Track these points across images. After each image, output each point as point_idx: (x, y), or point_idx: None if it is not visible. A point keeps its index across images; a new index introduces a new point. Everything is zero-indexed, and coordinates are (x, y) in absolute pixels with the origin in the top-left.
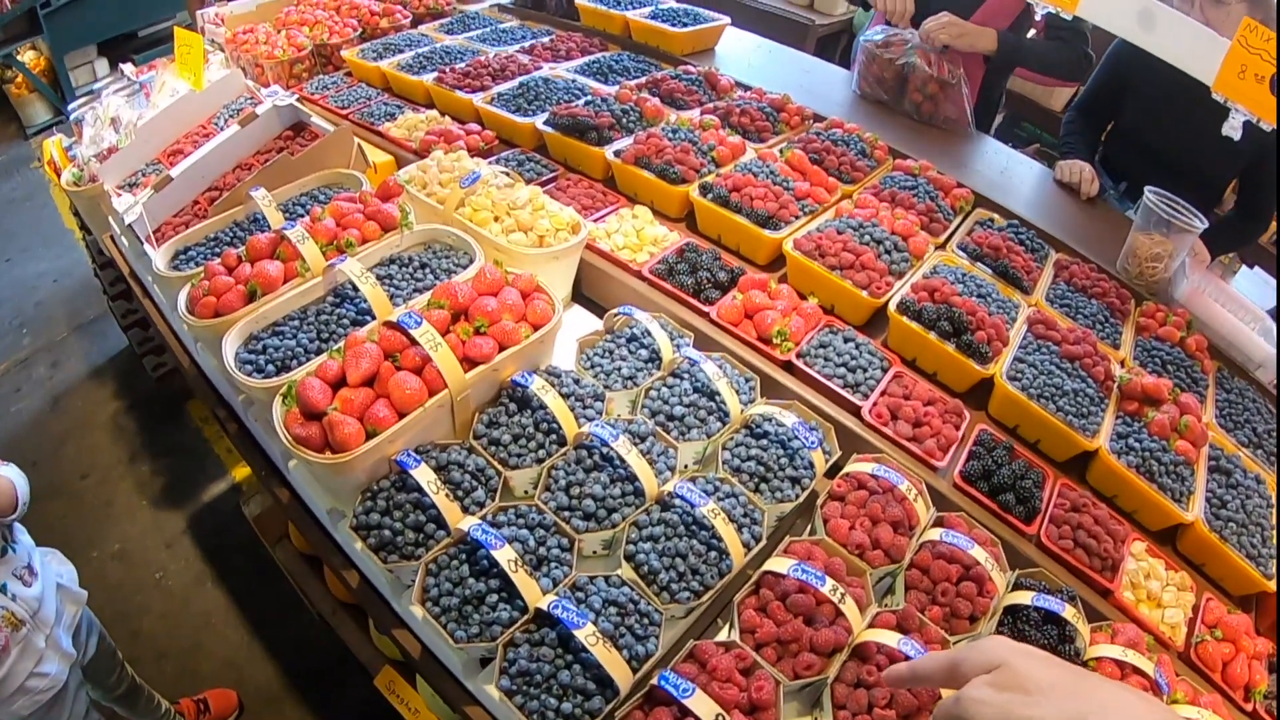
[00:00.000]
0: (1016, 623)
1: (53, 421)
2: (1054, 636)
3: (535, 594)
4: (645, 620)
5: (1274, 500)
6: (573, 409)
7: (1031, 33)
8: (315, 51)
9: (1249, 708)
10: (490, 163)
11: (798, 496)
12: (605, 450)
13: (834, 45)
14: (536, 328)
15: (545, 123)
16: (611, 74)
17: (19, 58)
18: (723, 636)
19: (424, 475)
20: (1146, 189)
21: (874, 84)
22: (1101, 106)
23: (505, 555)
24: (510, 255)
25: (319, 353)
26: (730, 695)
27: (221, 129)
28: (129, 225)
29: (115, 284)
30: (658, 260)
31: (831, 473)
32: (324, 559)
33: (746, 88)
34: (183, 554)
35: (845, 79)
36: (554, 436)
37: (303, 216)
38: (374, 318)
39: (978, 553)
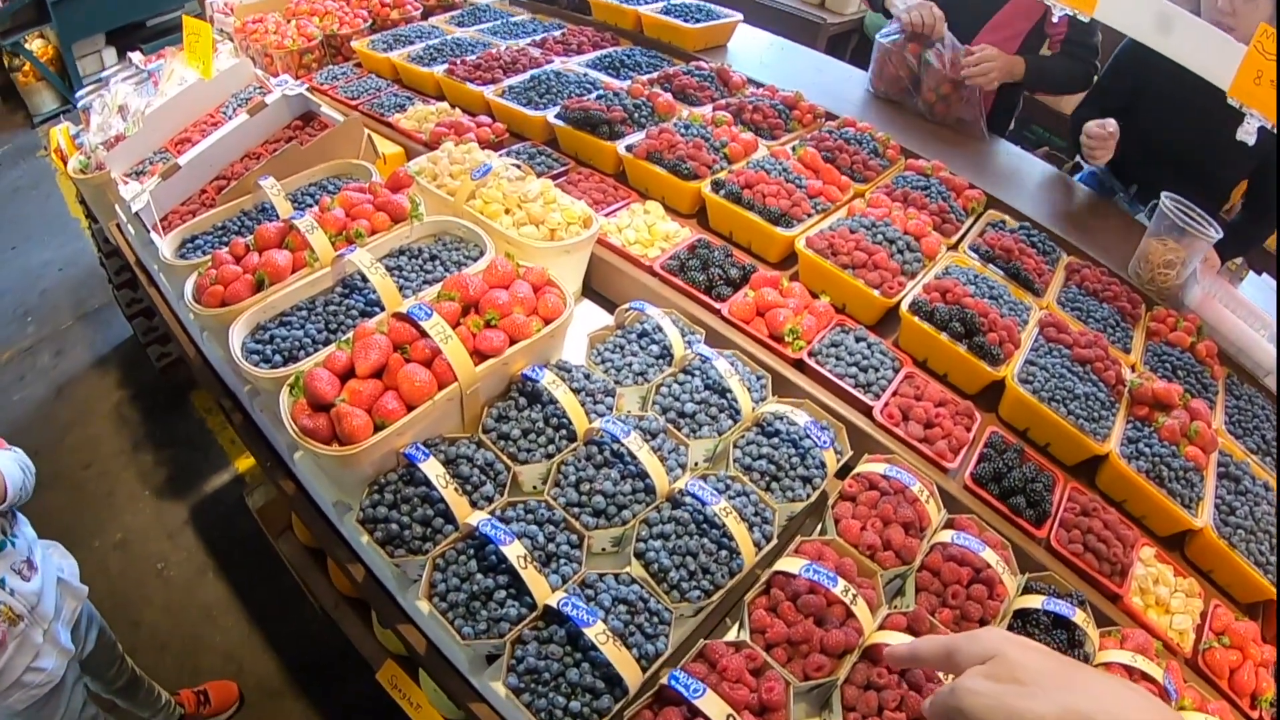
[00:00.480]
0: (1026, 626)
1: (56, 410)
2: (1063, 641)
3: (544, 591)
4: (655, 619)
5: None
6: (583, 404)
7: (1045, 49)
8: (325, 42)
9: (1256, 715)
10: (501, 156)
11: (809, 496)
12: (616, 446)
13: (844, 44)
14: (548, 321)
15: (557, 116)
16: (623, 69)
17: (27, 46)
18: (732, 636)
19: (433, 469)
20: (1163, 195)
21: (889, 83)
22: (1110, 108)
23: (514, 551)
24: (521, 248)
25: (327, 344)
26: (740, 696)
27: (230, 118)
28: (136, 214)
29: (120, 273)
30: (669, 256)
31: (842, 473)
32: (329, 552)
33: (759, 85)
34: (185, 545)
35: (857, 78)
36: (564, 432)
37: (311, 206)
38: (383, 309)
39: (989, 555)
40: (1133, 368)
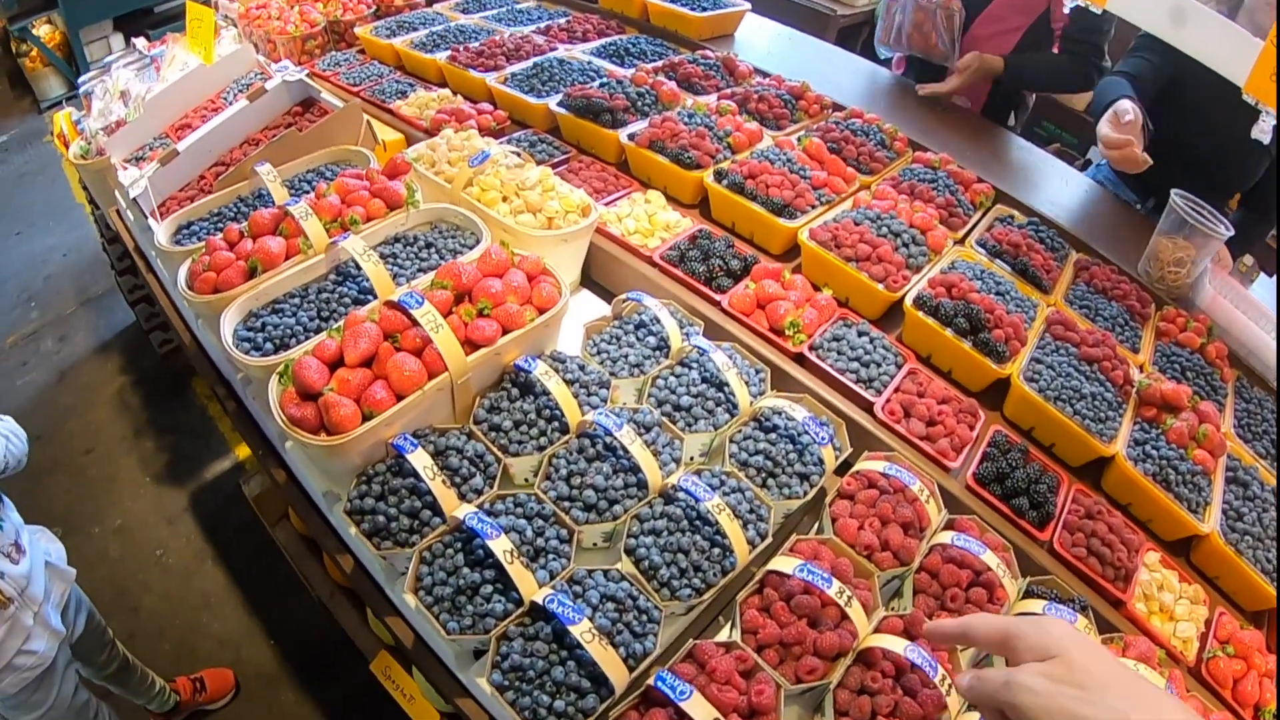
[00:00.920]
0: None
1: (58, 395)
2: None
3: (531, 586)
4: (644, 617)
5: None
6: (576, 396)
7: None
8: (328, 28)
9: None
10: (501, 143)
11: (806, 494)
12: (609, 440)
13: (855, 37)
14: (542, 311)
15: (559, 104)
16: (628, 57)
17: (34, 31)
18: (723, 636)
19: (420, 460)
20: (1173, 192)
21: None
22: (1150, 89)
23: (501, 546)
24: (518, 237)
25: (319, 331)
26: (729, 698)
27: (231, 104)
28: (134, 199)
29: (123, 259)
30: (669, 246)
31: (841, 470)
32: (319, 542)
33: (765, 74)
34: (184, 532)
35: (867, 69)
36: (556, 424)
37: (308, 193)
38: (376, 297)
39: (989, 558)
40: (1141, 368)
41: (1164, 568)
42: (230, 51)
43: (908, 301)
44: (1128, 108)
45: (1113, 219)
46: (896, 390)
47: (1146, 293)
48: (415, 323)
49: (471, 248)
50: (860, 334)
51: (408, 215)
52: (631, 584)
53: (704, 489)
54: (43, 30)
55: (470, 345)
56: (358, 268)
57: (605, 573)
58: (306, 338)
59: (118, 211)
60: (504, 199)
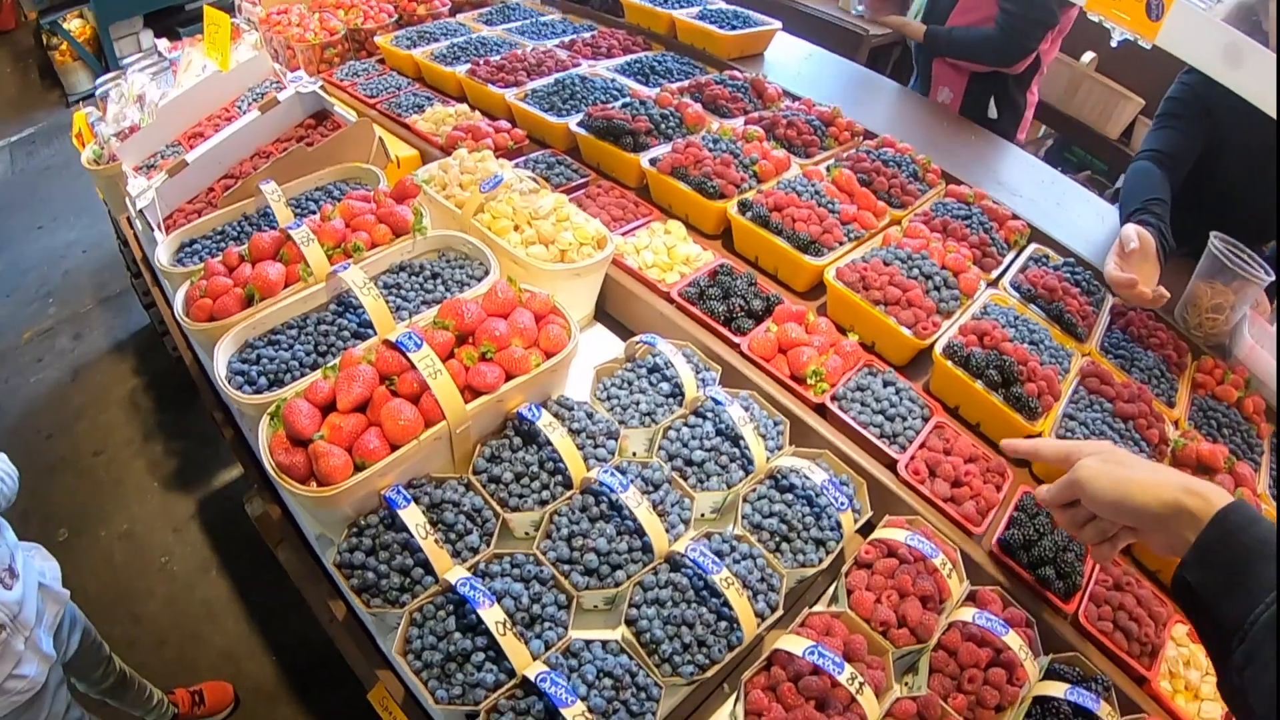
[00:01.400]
0: (1046, 715)
1: (71, 394)
2: None
3: (524, 659)
4: (643, 695)
5: None
6: (583, 447)
7: None
8: (349, 36)
9: None
10: (518, 165)
11: (820, 562)
12: (613, 498)
13: (886, 58)
14: (549, 355)
15: (579, 124)
16: (653, 75)
17: (65, 25)
18: (726, 710)
19: (413, 518)
20: (1213, 235)
21: None
22: (1188, 160)
23: (493, 616)
24: (528, 270)
25: (315, 367)
26: None
27: (244, 113)
28: (140, 210)
29: (135, 263)
30: (688, 282)
31: (862, 530)
32: (310, 587)
33: (795, 98)
34: (190, 540)
35: (899, 94)
36: (560, 478)
37: (313, 214)
38: (376, 332)
39: (1011, 639)
40: (1176, 423)
41: (1192, 642)
42: (247, 58)
43: (937, 350)
44: (1132, 235)
45: None
46: (922, 446)
47: (1184, 341)
48: (413, 366)
49: (480, 279)
50: (886, 384)
51: (414, 243)
52: (631, 658)
53: (712, 560)
54: (73, 24)
55: (471, 392)
56: (359, 299)
57: (604, 644)
58: (302, 373)
59: (128, 219)
60: (516, 228)
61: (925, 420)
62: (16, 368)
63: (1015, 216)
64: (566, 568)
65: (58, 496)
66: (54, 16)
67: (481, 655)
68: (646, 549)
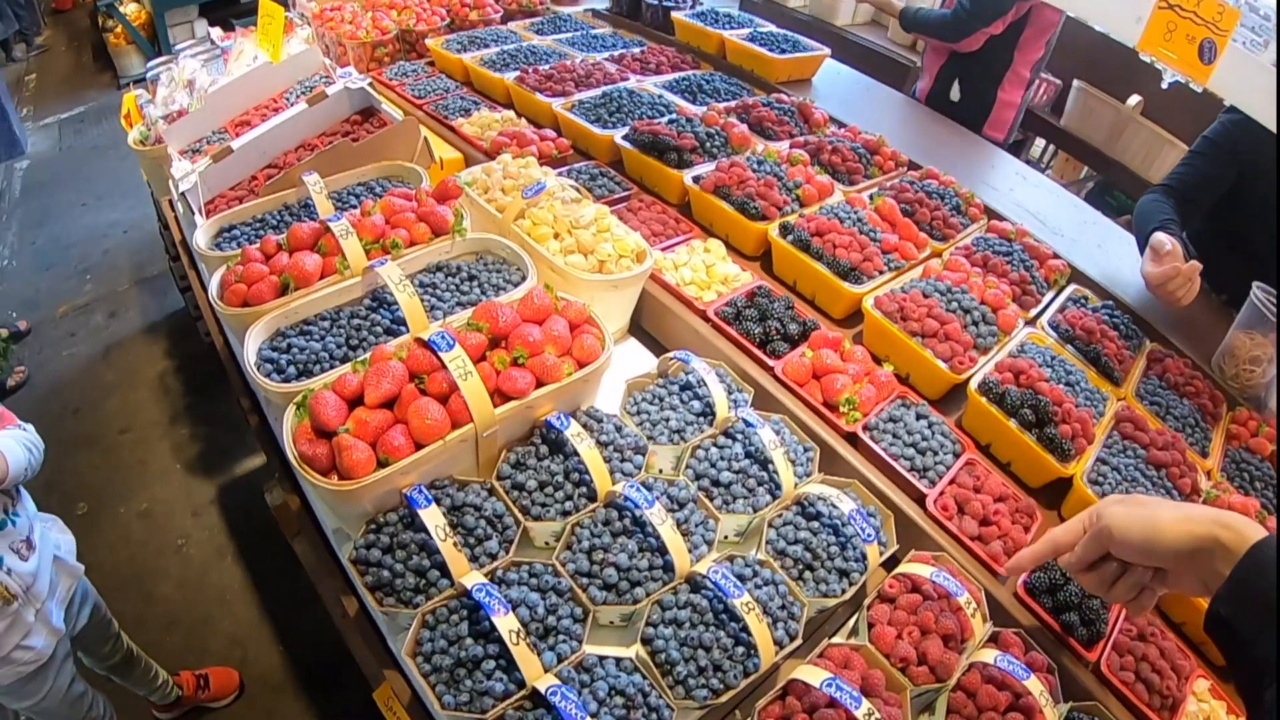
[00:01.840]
0: None
1: (102, 371)
2: None
3: (536, 671)
4: (654, 715)
5: None
6: (609, 460)
7: None
8: (400, 36)
9: None
10: (561, 174)
11: (843, 593)
12: (637, 514)
13: None
14: (582, 365)
15: (624, 137)
16: (701, 94)
17: (121, 8)
18: None
19: (433, 519)
20: (1255, 285)
21: None
22: (1201, 195)
23: (507, 625)
24: (565, 278)
25: (345, 360)
26: None
27: (292, 105)
28: (183, 193)
29: (174, 246)
30: (725, 302)
31: (887, 563)
32: (324, 580)
33: (840, 124)
34: (208, 524)
35: (944, 126)
36: (584, 489)
37: (353, 208)
38: (408, 329)
39: (1032, 684)
40: (1209, 474)
41: (1213, 698)
42: (298, 52)
43: (972, 385)
44: (1164, 240)
45: (1189, 307)
46: (951, 482)
47: (1219, 391)
48: (444, 366)
49: (516, 284)
50: (919, 417)
51: (453, 243)
52: (644, 677)
53: (734, 583)
54: (129, 8)
55: (500, 396)
56: (393, 296)
57: (618, 661)
58: (332, 365)
59: (170, 202)
60: (555, 235)
61: (956, 456)
62: (50, 340)
63: (1056, 256)
64: (585, 581)
65: (80, 471)
66: None
67: (492, 663)
68: (667, 568)
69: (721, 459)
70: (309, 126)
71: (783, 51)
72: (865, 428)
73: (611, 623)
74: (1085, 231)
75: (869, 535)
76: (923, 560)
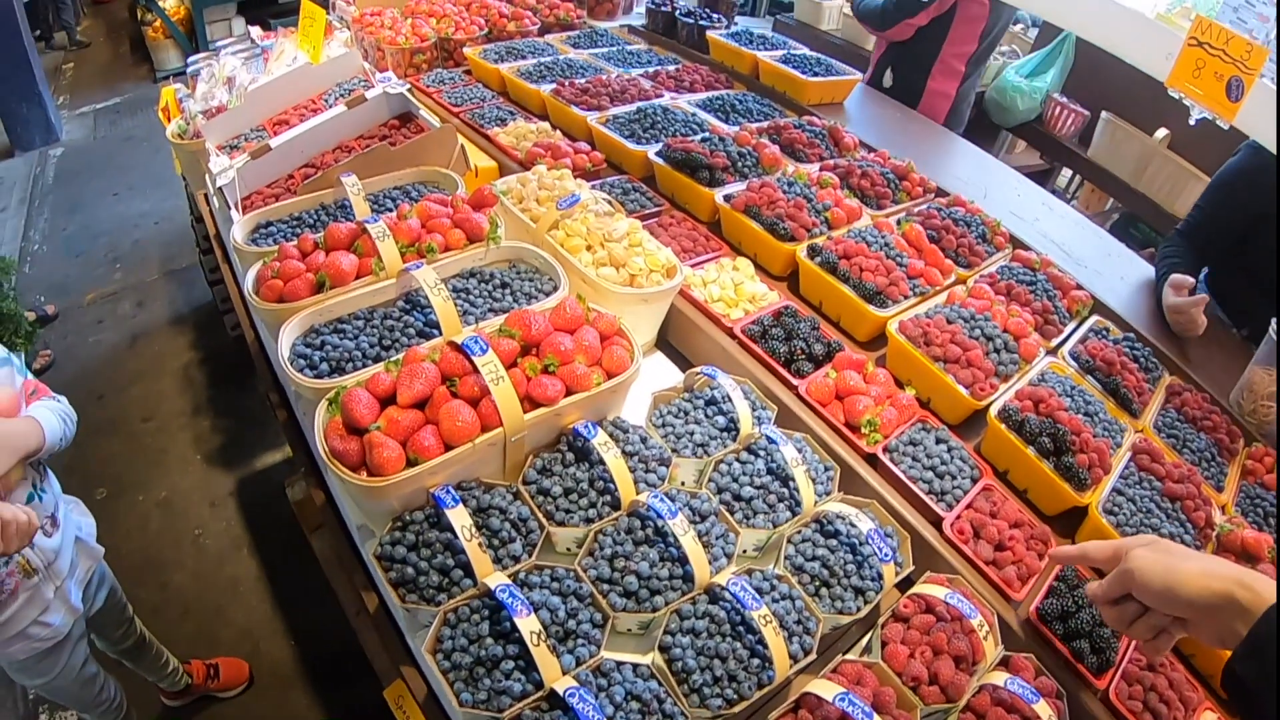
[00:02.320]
0: None
1: (128, 359)
2: None
3: (555, 672)
4: None
5: None
6: (634, 470)
7: None
8: (438, 44)
9: None
10: (594, 188)
11: (858, 610)
12: (660, 524)
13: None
14: (611, 375)
15: (657, 154)
16: (733, 113)
17: (160, 3)
18: None
19: (459, 519)
20: (1275, 321)
21: None
22: (1217, 236)
23: (529, 625)
24: (597, 290)
25: (378, 360)
26: None
27: (330, 106)
28: (219, 188)
29: (205, 240)
30: (752, 320)
31: (902, 584)
32: (346, 576)
33: (870, 149)
34: (225, 516)
35: (973, 154)
36: (608, 498)
37: (390, 211)
38: (440, 333)
39: (1041, 708)
40: (1223, 508)
41: None
42: (338, 54)
43: (992, 412)
44: (1183, 279)
45: (1210, 342)
46: (968, 507)
47: (1237, 426)
48: (476, 370)
49: (548, 294)
50: (939, 441)
51: (487, 250)
52: (660, 684)
53: (752, 595)
54: (169, 3)
55: (530, 402)
56: (427, 299)
57: (635, 668)
58: (364, 365)
59: (205, 196)
60: (588, 248)
61: (974, 481)
62: (77, 327)
63: (1079, 287)
64: (606, 587)
65: (102, 457)
66: None
67: (511, 664)
68: (687, 578)
69: (744, 474)
70: (347, 128)
71: (815, 74)
72: (885, 449)
73: (630, 630)
74: (1109, 264)
75: (886, 555)
76: (937, 582)
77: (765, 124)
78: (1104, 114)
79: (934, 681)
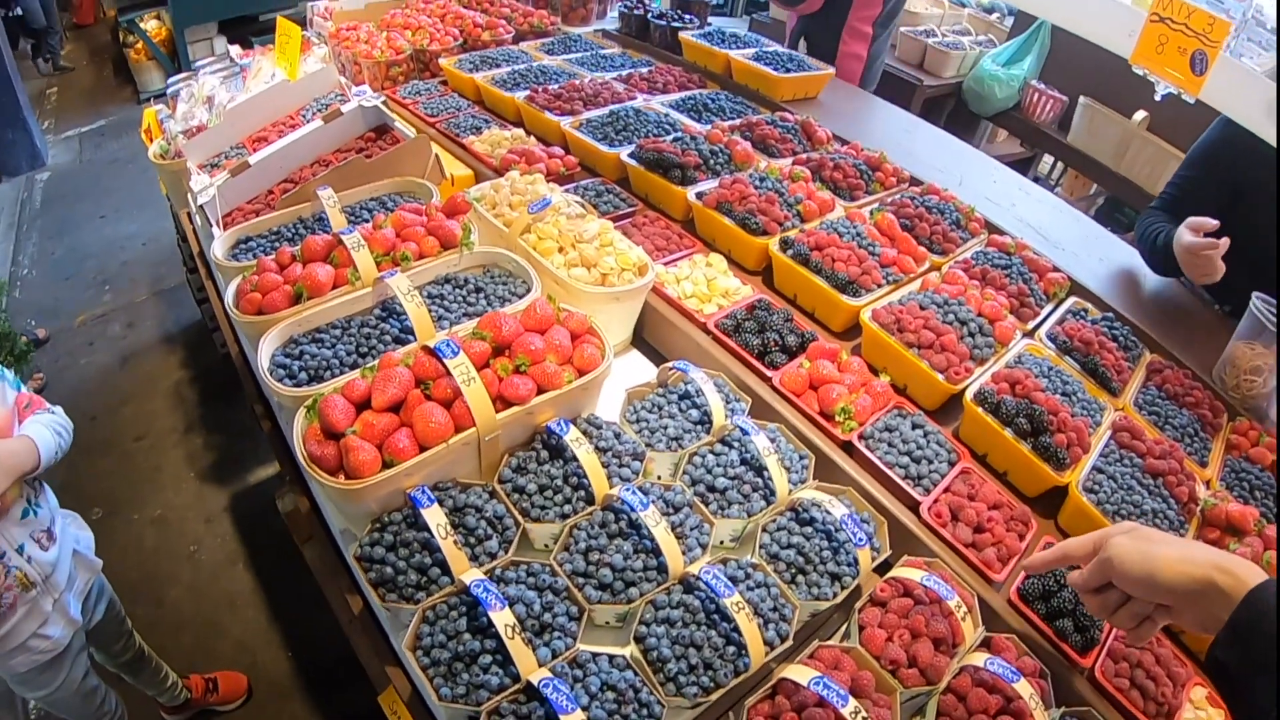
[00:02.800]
0: None
1: (119, 380)
2: None
3: (530, 664)
4: (644, 711)
5: None
6: (607, 465)
7: None
8: (414, 56)
9: None
10: (568, 191)
11: (835, 596)
12: (633, 516)
13: (940, 109)
14: (582, 373)
15: (630, 155)
16: (706, 112)
17: (142, 25)
18: None
19: (434, 518)
20: (1255, 295)
21: None
22: (1194, 210)
23: (503, 619)
24: (569, 290)
25: (355, 367)
26: None
27: (308, 121)
28: (201, 206)
29: (192, 258)
30: (725, 314)
31: (881, 568)
32: (330, 583)
33: (844, 141)
34: (220, 531)
35: (947, 143)
36: (582, 493)
37: (366, 222)
38: (416, 338)
39: (1022, 687)
40: (1207, 483)
41: (1210, 706)
42: (315, 70)
43: (968, 395)
44: (1202, 221)
45: (1190, 318)
46: (946, 490)
47: (1219, 401)
48: (448, 372)
49: (522, 296)
50: (914, 426)
51: (460, 256)
52: (636, 674)
53: (725, 584)
54: (150, 25)
55: (502, 402)
56: (402, 306)
57: (611, 658)
58: (342, 371)
59: (189, 214)
60: (560, 249)
61: (951, 465)
62: (68, 349)
63: (1056, 269)
64: (581, 580)
65: (96, 476)
66: (132, 15)
67: (489, 657)
68: (661, 569)
69: (717, 465)
70: (324, 143)
71: (787, 71)
72: (861, 436)
73: (608, 623)
74: (1087, 245)
75: (861, 540)
76: (915, 565)
77: (738, 121)
78: (1082, 99)
79: (913, 664)
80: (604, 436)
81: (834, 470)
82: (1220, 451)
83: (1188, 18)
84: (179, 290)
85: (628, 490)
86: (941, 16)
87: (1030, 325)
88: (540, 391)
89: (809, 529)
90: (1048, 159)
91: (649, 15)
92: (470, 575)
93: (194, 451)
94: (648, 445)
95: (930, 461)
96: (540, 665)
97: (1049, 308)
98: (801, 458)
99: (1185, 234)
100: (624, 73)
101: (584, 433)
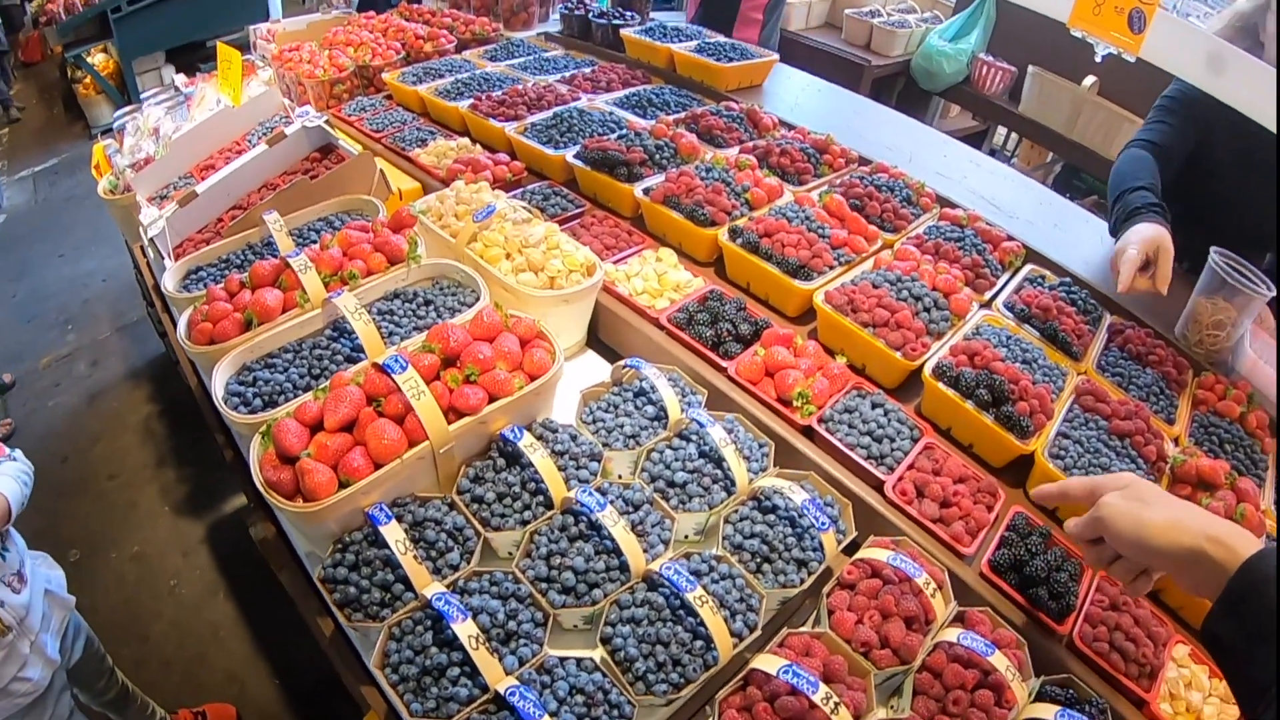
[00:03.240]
0: None
1: (88, 419)
2: None
3: (497, 674)
4: (615, 712)
5: None
6: (565, 468)
7: None
8: (357, 72)
9: None
10: (515, 196)
11: (802, 582)
12: (592, 518)
13: (890, 88)
14: (533, 378)
15: (575, 156)
16: (651, 107)
17: (89, 59)
18: None
19: (393, 534)
20: (1213, 250)
21: None
22: (1174, 156)
23: (466, 630)
24: (518, 296)
25: (309, 389)
26: None
27: (254, 146)
28: (151, 239)
29: (150, 292)
30: (677, 308)
31: (850, 549)
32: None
33: (790, 127)
34: (199, 564)
35: (896, 121)
36: (541, 498)
37: (314, 243)
38: (367, 356)
39: (997, 659)
40: (1176, 440)
41: (1194, 663)
42: (258, 93)
43: (927, 371)
44: (1131, 253)
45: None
46: (910, 468)
47: (1184, 358)
48: (399, 388)
49: (471, 306)
50: (874, 406)
51: (409, 270)
52: (605, 675)
53: (687, 578)
54: (97, 58)
55: (455, 413)
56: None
57: (578, 662)
58: (296, 395)
59: (141, 248)
60: (507, 256)
61: (914, 441)
62: (35, 393)
63: (1010, 238)
64: (544, 586)
65: (71, 518)
66: (79, 50)
67: (457, 670)
68: (624, 568)
69: (676, 460)
70: (270, 166)
71: (730, 60)
72: (820, 420)
73: (575, 626)
74: (1041, 212)
75: (824, 524)
76: (881, 545)
77: (682, 115)
78: (1031, 68)
79: (885, 645)
80: (560, 440)
81: (796, 456)
82: (1187, 408)
83: None
84: (141, 325)
85: (585, 492)
86: None
87: (987, 296)
88: (491, 400)
89: (771, 517)
90: (1002, 131)
91: (590, 15)
92: (432, 589)
93: (167, 485)
94: (605, 445)
95: (892, 440)
96: (507, 674)
97: (1005, 277)
98: (761, 446)
99: (1129, 249)
100: (567, 74)
101: (539, 437)
